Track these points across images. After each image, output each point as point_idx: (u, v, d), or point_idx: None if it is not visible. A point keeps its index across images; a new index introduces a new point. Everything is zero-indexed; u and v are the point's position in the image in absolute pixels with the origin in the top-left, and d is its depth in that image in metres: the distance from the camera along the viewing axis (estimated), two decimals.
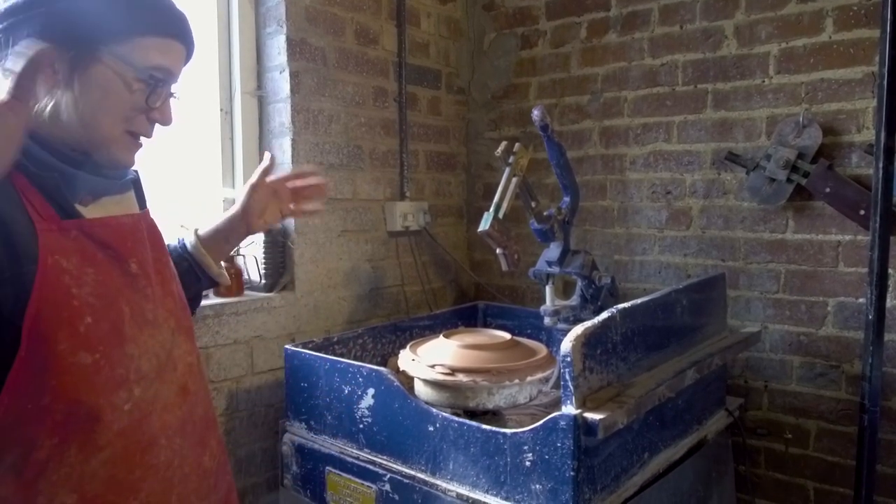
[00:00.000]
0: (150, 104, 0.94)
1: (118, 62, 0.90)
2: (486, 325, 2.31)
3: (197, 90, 2.02)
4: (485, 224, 1.59)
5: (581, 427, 1.21)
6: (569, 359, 1.24)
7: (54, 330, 0.83)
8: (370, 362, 1.77)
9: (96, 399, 0.86)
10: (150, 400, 0.94)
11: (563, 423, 1.22)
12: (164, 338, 0.98)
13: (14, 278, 0.82)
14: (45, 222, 0.85)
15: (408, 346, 1.68)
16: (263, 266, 2.01)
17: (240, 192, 1.34)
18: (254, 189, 1.27)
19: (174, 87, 0.99)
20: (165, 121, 0.98)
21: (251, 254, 2.01)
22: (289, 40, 2.02)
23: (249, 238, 2.00)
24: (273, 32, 2.04)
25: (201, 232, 1.26)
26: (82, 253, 0.88)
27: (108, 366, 0.87)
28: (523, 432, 1.29)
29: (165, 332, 0.99)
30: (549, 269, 1.79)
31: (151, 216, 1.08)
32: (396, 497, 1.50)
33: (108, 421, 0.87)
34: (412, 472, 1.47)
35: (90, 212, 0.92)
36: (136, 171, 1.08)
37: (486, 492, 1.35)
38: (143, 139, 0.98)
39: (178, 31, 0.97)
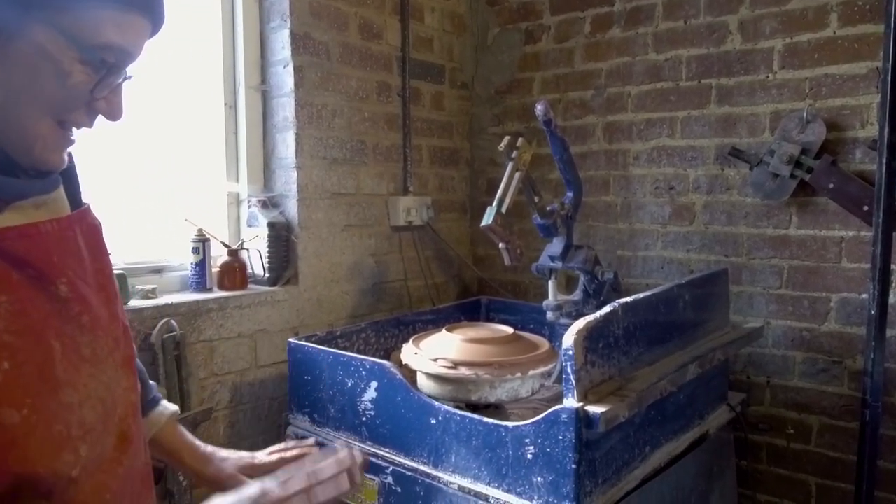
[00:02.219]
0: (95, 95, 0.71)
1: (57, 37, 0.66)
2: (489, 320, 2.31)
3: (201, 84, 2.03)
4: (487, 219, 1.60)
5: (582, 420, 1.21)
6: (571, 352, 1.24)
7: None
8: (373, 356, 1.78)
9: (33, 468, 0.66)
10: (97, 459, 0.73)
11: (564, 416, 1.23)
12: (108, 376, 0.76)
13: None
14: None
15: (410, 340, 1.69)
16: (267, 260, 2.01)
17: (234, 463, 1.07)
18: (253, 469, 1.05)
19: (128, 69, 0.74)
20: (113, 114, 0.74)
21: (255, 248, 2.02)
22: (293, 35, 2.02)
23: (253, 233, 2.03)
24: (277, 27, 2.05)
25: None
26: None
27: (41, 423, 0.66)
28: (525, 425, 1.29)
29: (110, 367, 0.77)
30: (551, 264, 1.79)
31: (92, 214, 0.83)
32: (399, 489, 1.51)
33: (59, 496, 0.69)
34: (415, 465, 1.48)
35: (2, 220, 0.69)
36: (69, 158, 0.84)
37: (488, 484, 1.36)
38: (77, 131, 0.75)
39: (142, 3, 0.73)
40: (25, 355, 0.66)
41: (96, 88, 0.70)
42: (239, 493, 0.83)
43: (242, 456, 1.06)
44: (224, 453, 1.06)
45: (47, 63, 0.67)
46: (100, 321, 0.76)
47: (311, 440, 1.14)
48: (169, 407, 1.04)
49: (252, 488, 0.84)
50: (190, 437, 1.06)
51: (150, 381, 1.06)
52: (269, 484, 0.84)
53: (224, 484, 1.02)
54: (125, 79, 0.74)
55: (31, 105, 0.68)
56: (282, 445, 1.11)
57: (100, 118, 0.75)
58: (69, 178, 0.81)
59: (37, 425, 0.66)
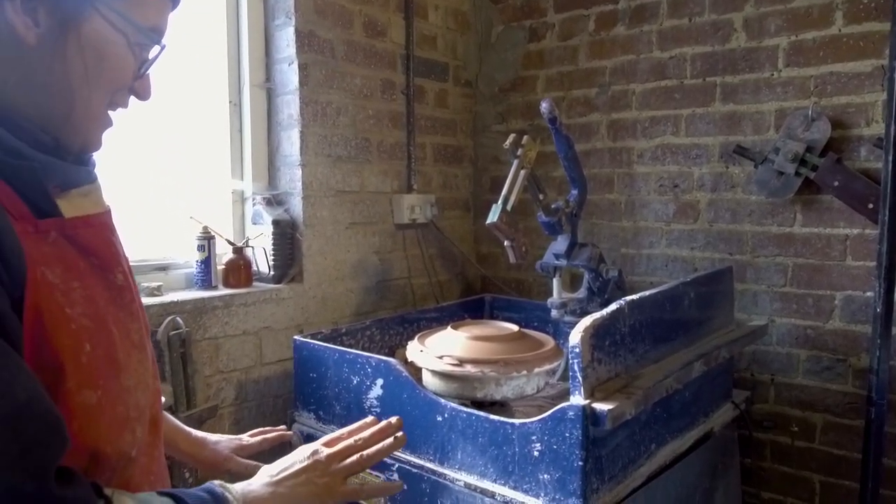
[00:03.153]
0: (141, 74, 0.76)
1: (119, 17, 0.71)
2: (493, 318, 2.31)
3: (205, 82, 2.03)
4: (493, 216, 1.60)
5: (589, 417, 1.21)
6: (577, 349, 1.24)
7: (60, 362, 0.64)
8: (377, 354, 1.78)
9: (103, 446, 0.69)
10: (146, 442, 0.77)
11: (571, 413, 1.23)
12: (149, 363, 0.80)
13: (16, 302, 0.62)
14: (21, 223, 0.65)
15: (416, 338, 1.69)
16: (272, 258, 2.02)
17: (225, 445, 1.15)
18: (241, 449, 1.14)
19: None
20: (146, 94, 0.79)
21: (260, 245, 2.02)
22: (297, 32, 2.02)
23: (257, 230, 2.03)
24: (282, 24, 2.05)
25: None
26: (64, 262, 0.68)
27: (109, 404, 0.70)
28: (532, 422, 1.29)
29: (149, 355, 0.81)
30: (556, 261, 1.79)
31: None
32: (405, 486, 1.51)
33: (124, 474, 0.73)
34: (421, 462, 1.48)
35: (63, 209, 0.71)
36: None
37: (495, 481, 1.36)
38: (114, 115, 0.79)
39: None
40: (98, 339, 0.69)
41: (146, 65, 0.76)
42: (291, 456, 0.89)
43: (231, 438, 1.15)
44: (214, 437, 1.15)
45: (114, 44, 0.71)
46: (141, 310, 0.81)
47: (283, 427, 1.25)
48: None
49: (302, 450, 0.89)
50: (180, 423, 1.13)
51: None
52: (315, 445, 0.90)
53: (222, 466, 1.11)
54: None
55: (100, 85, 0.72)
56: (260, 429, 1.21)
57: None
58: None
59: (106, 406, 0.69)
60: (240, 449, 1.14)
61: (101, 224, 0.75)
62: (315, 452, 0.88)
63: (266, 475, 0.85)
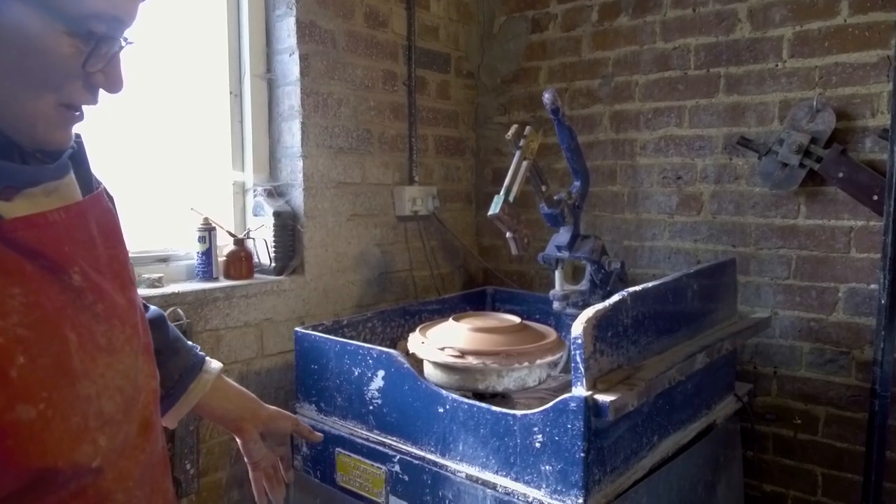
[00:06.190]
0: (87, 69, 0.67)
1: (39, 11, 0.63)
2: (495, 310, 2.30)
3: (206, 73, 2.02)
4: (495, 208, 1.59)
5: (591, 409, 1.21)
6: (580, 340, 1.24)
7: None
8: (379, 346, 1.78)
9: (53, 462, 0.65)
10: (119, 448, 0.73)
11: (573, 404, 1.22)
12: (127, 365, 0.75)
13: None
14: None
15: (417, 329, 1.68)
16: (273, 249, 2.01)
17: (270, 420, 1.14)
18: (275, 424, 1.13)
19: (125, 36, 0.70)
20: (113, 86, 0.70)
21: (261, 237, 2.02)
22: (298, 22, 2.01)
23: (258, 222, 2.02)
24: (283, 15, 2.03)
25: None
26: (2, 268, 0.64)
27: (58, 416, 0.65)
28: (533, 414, 1.29)
29: (128, 356, 0.75)
30: (558, 253, 1.78)
31: (105, 199, 0.81)
32: (406, 478, 1.51)
33: (76, 488, 0.68)
34: (422, 454, 1.48)
35: (13, 209, 0.67)
36: (76, 142, 0.79)
37: (496, 473, 1.36)
38: (84, 108, 0.72)
39: None
40: (41, 348, 0.64)
41: (88, 62, 0.67)
42: None
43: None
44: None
45: (32, 40, 0.64)
46: (116, 309, 0.75)
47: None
48: (214, 367, 1.09)
49: None
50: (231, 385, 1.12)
51: (190, 343, 1.09)
52: None
53: (288, 418, 1.16)
54: (122, 47, 0.70)
55: (27, 83, 0.66)
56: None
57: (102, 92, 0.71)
58: (79, 163, 0.79)
59: (53, 419, 0.65)
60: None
61: (48, 224, 0.68)
62: None
63: None
